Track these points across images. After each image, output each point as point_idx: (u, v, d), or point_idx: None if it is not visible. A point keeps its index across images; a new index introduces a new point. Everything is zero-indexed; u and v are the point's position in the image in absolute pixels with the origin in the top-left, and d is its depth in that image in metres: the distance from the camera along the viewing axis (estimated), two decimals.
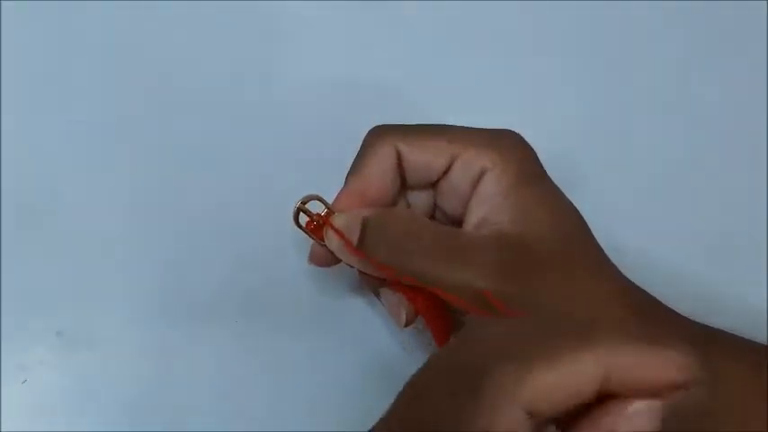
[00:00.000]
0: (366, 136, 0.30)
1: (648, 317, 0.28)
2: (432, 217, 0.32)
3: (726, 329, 0.30)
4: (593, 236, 0.29)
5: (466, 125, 0.30)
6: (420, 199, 0.31)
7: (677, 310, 0.30)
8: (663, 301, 0.30)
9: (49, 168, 0.36)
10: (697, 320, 0.30)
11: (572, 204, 0.29)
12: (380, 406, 0.29)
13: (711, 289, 0.35)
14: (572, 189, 0.29)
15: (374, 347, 0.34)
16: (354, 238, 0.28)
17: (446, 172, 0.29)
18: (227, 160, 0.37)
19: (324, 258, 0.31)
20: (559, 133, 0.29)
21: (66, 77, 0.38)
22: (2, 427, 0.32)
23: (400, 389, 0.29)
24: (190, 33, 0.39)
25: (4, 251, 0.35)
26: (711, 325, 0.30)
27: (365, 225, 0.28)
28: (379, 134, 0.30)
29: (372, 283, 0.30)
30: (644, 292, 0.30)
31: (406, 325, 0.29)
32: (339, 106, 0.38)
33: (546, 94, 0.39)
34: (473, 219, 0.29)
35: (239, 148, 0.37)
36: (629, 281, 0.29)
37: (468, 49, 0.40)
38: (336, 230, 0.28)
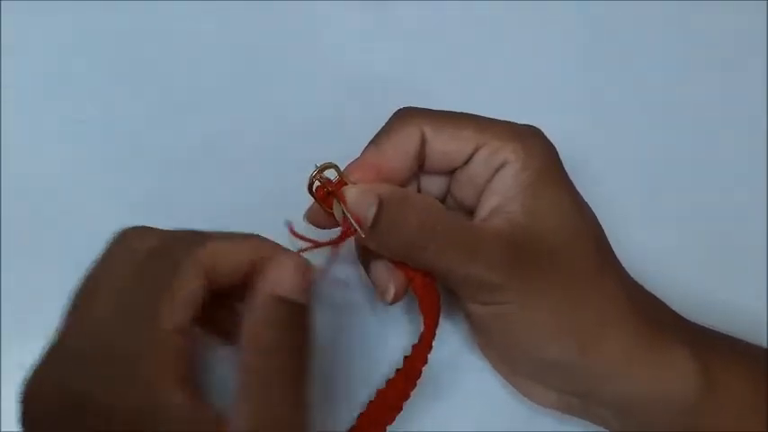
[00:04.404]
0: (393, 115, 0.29)
1: (652, 319, 0.28)
2: (442, 204, 0.31)
3: (725, 331, 0.30)
4: (605, 238, 0.29)
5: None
6: (433, 185, 0.31)
7: (678, 311, 0.30)
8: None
9: (50, 168, 0.36)
10: (697, 320, 0.30)
11: (589, 209, 0.29)
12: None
13: (711, 289, 0.35)
14: None
15: (375, 351, 0.34)
16: (369, 218, 0.26)
17: (467, 161, 0.29)
18: (229, 160, 0.37)
19: (323, 222, 0.29)
20: (558, 134, 0.29)
21: (67, 77, 0.38)
22: (2, 426, 0.32)
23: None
24: (191, 33, 0.39)
25: (4, 251, 0.35)
26: (710, 326, 0.30)
27: (380, 207, 0.26)
28: (406, 114, 0.29)
29: (367, 254, 0.30)
30: (650, 295, 0.30)
31: (393, 302, 0.28)
32: (341, 106, 0.38)
33: (545, 96, 0.39)
34: (485, 208, 0.28)
35: (241, 147, 0.37)
36: (636, 283, 0.29)
37: (471, 49, 0.40)
38: (352, 213, 0.27)
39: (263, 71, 0.39)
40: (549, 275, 0.27)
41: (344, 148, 0.30)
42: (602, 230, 0.29)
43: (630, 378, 0.27)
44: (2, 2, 0.39)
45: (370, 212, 0.26)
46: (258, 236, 0.27)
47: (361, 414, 0.29)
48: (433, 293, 0.29)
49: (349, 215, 0.27)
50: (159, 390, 0.22)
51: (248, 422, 0.22)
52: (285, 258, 0.25)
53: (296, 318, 0.24)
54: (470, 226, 0.27)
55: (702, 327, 0.30)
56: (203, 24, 0.40)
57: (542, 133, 0.29)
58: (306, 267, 0.25)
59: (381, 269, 0.29)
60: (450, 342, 0.34)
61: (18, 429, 0.23)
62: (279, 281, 0.24)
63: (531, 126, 0.29)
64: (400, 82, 0.39)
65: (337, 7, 0.40)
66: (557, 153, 0.29)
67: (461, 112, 0.29)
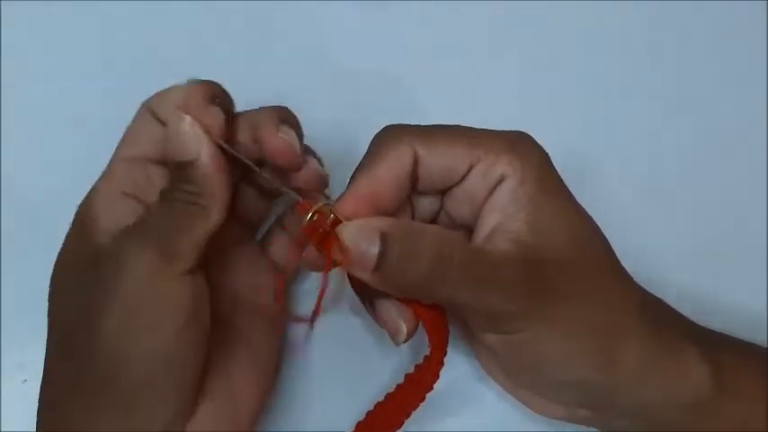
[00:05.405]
0: (379, 135, 0.27)
1: (662, 324, 0.28)
2: (434, 223, 0.30)
3: (726, 332, 0.30)
4: (609, 245, 0.28)
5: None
6: (425, 204, 0.29)
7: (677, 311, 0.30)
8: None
9: (50, 168, 0.37)
10: (697, 320, 0.30)
11: (587, 213, 0.28)
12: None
13: (711, 290, 0.35)
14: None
15: (361, 352, 0.34)
16: (372, 256, 0.24)
17: (462, 178, 0.27)
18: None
19: (321, 265, 0.26)
20: (557, 135, 0.29)
21: (67, 77, 0.38)
22: (2, 426, 0.32)
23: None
24: (191, 33, 0.39)
25: (4, 251, 0.35)
26: (711, 326, 0.30)
27: (385, 242, 0.24)
28: (395, 134, 0.27)
29: (367, 292, 0.28)
30: (655, 298, 0.29)
31: (406, 340, 0.27)
32: (341, 106, 0.38)
33: (544, 95, 0.39)
34: (486, 226, 0.27)
35: None
36: (641, 287, 0.29)
37: (472, 49, 0.40)
38: (352, 253, 0.25)
39: (264, 71, 0.39)
40: (563, 295, 0.26)
41: (344, 149, 0.30)
42: (605, 237, 0.28)
43: (647, 387, 0.27)
44: (2, 2, 0.39)
45: (373, 250, 0.24)
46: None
47: (359, 424, 0.28)
48: (443, 327, 0.27)
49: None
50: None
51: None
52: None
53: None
54: (483, 252, 0.26)
55: (708, 329, 0.30)
56: (203, 24, 0.40)
57: (532, 138, 0.28)
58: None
59: (389, 309, 0.27)
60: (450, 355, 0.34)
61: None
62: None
63: (521, 132, 0.28)
64: (400, 82, 0.39)
65: (337, 7, 0.40)
66: (549, 159, 0.28)
67: (450, 126, 0.28)
